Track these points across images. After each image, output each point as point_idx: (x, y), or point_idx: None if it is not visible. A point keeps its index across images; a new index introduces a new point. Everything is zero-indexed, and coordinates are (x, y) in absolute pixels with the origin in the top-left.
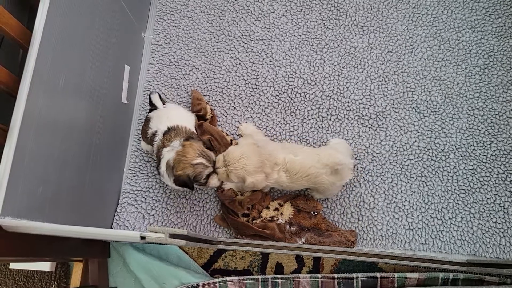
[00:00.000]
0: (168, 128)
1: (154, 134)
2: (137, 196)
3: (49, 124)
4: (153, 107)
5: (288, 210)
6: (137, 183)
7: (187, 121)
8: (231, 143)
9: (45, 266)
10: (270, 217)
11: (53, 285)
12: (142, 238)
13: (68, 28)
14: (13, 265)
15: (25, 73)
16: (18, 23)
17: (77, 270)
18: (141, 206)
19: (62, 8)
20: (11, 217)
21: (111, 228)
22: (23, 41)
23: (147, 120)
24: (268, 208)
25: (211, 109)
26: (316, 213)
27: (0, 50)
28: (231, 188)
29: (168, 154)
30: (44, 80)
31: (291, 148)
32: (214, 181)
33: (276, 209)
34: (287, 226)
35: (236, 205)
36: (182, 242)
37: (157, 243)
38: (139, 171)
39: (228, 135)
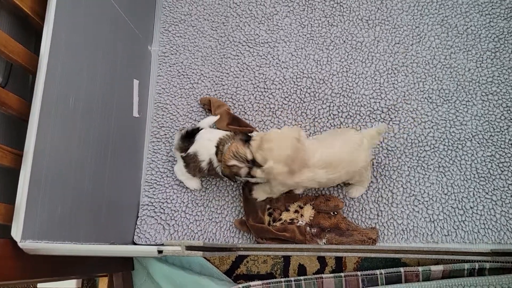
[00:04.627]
0: (218, 141)
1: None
2: (156, 207)
3: (62, 145)
4: (186, 143)
5: (308, 212)
6: (154, 194)
7: (217, 132)
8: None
9: (71, 283)
10: (290, 220)
11: None
12: (160, 252)
13: (74, 48)
14: (40, 285)
15: (35, 98)
16: (24, 49)
17: (103, 284)
18: (160, 217)
19: (66, 29)
20: (32, 240)
21: (133, 241)
22: (30, 66)
23: (194, 157)
24: (288, 210)
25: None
26: (335, 212)
27: (10, 77)
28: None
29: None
30: (53, 103)
31: (328, 139)
32: (258, 173)
33: (296, 211)
34: (308, 228)
35: (273, 202)
36: (199, 253)
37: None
38: (155, 182)
39: None
